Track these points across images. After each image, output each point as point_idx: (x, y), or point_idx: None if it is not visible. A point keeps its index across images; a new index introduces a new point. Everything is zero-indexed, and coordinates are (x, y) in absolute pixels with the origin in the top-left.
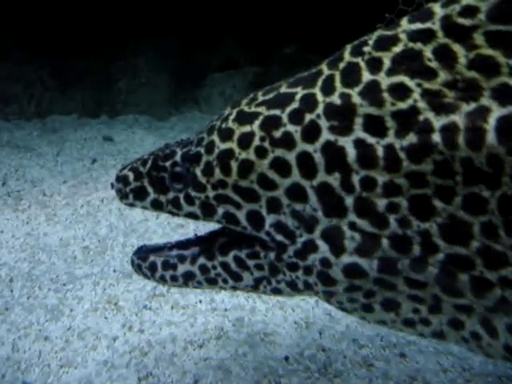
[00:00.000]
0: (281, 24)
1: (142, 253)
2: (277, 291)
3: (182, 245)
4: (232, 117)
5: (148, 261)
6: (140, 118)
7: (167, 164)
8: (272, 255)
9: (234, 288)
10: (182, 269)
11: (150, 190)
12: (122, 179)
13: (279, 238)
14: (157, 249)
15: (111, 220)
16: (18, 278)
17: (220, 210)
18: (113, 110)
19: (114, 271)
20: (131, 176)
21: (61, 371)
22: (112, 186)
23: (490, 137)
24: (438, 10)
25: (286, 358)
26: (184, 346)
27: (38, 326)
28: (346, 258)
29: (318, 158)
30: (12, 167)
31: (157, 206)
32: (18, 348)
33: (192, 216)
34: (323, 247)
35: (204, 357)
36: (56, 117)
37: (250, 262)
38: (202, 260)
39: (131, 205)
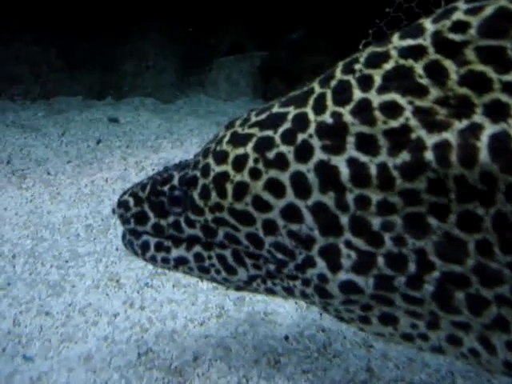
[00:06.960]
0: (288, 9)
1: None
2: (270, 291)
3: None
4: (226, 139)
5: (141, 239)
6: (146, 100)
7: (165, 188)
8: (272, 267)
9: (225, 280)
10: (175, 253)
11: (150, 214)
12: (122, 205)
13: (280, 256)
14: None
15: (115, 199)
16: (21, 255)
17: (220, 232)
18: (119, 93)
19: (117, 249)
20: (131, 201)
21: (61, 346)
22: (113, 211)
23: (483, 154)
24: (428, 25)
25: (286, 338)
26: (184, 324)
27: (40, 302)
28: (343, 275)
29: (312, 177)
30: (17, 146)
31: (158, 229)
32: (19, 322)
33: (195, 238)
34: (321, 264)
35: (204, 334)
36: (62, 98)
37: (249, 261)
38: (198, 248)
39: (133, 229)
